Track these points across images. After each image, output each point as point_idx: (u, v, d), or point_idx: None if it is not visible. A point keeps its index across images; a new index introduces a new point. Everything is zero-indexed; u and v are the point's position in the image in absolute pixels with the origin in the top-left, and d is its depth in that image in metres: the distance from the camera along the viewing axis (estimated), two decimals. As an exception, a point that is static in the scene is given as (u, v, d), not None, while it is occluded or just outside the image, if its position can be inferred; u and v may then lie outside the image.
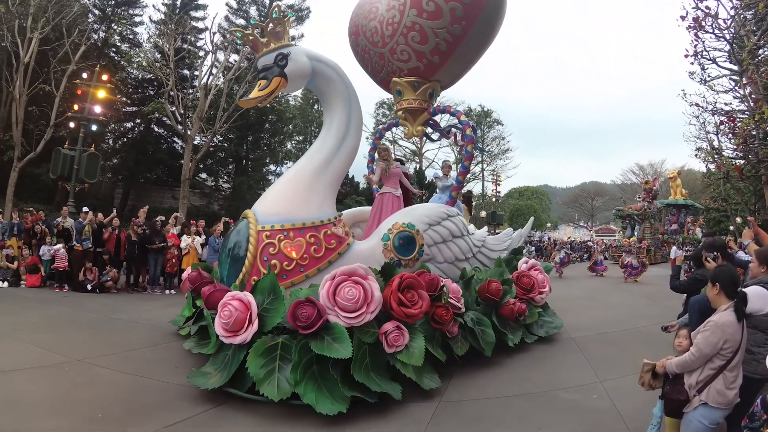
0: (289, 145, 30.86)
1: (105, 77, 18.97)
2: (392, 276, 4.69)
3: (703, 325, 2.93)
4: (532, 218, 9.27)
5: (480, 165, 45.53)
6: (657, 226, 25.67)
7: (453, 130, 7.57)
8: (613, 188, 58.37)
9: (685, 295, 5.09)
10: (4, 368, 4.65)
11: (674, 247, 19.87)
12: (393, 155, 7.06)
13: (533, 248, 22.55)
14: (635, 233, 24.63)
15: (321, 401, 3.84)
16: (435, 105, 7.36)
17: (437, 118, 7.71)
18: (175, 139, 27.54)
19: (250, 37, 5.58)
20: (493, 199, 39.39)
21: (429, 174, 40.31)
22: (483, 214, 32.83)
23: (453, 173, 8.05)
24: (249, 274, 4.93)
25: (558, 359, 5.72)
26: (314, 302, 4.05)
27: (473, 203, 9.81)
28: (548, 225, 49.49)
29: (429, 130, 7.57)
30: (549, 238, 29.60)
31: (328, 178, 5.53)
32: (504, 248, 7.07)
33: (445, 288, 4.87)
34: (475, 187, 48.11)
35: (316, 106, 32.98)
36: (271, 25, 5.41)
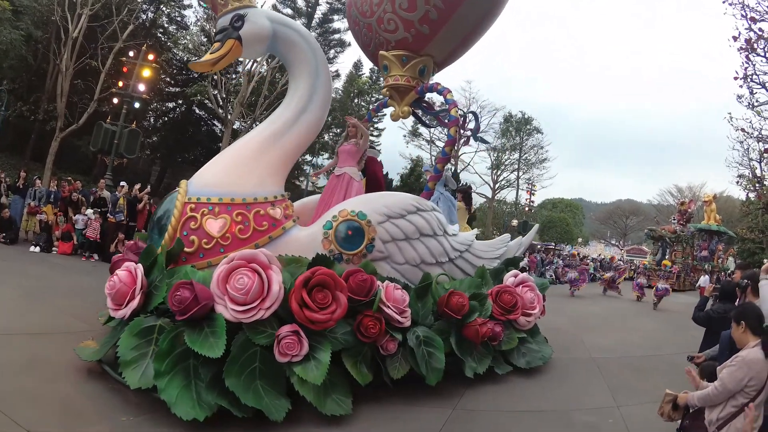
0: (326, 137, 30.85)
1: (151, 57, 19.61)
2: None
3: (730, 360, 2.95)
4: (536, 226, 8.25)
5: (516, 173, 45.65)
6: (689, 251, 24.39)
7: (460, 112, 6.66)
8: (649, 208, 57.25)
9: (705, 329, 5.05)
10: (32, 331, 4.87)
11: (704, 276, 18.92)
12: (363, 133, 6.13)
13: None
14: (666, 256, 23.55)
15: (181, 401, 3.26)
16: (425, 84, 6.54)
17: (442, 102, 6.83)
18: (215, 122, 28.23)
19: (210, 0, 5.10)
20: (526, 209, 38.80)
21: (463, 177, 39.79)
22: (515, 222, 32.17)
23: (450, 169, 7.22)
24: (167, 248, 4.41)
25: (577, 379, 5.66)
26: (193, 286, 3.46)
27: (472, 200, 8.70)
28: (579, 240, 48.24)
29: (420, 112, 6.72)
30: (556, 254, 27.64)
31: (277, 153, 4.90)
32: (495, 256, 6.11)
33: (380, 293, 4.02)
34: (509, 195, 48.15)
35: (356, 100, 32.78)
36: None
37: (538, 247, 29.74)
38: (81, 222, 10.48)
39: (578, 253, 28.04)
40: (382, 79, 6.87)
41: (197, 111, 28.29)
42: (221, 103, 23.21)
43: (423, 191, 6.11)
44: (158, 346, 3.47)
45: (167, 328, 3.58)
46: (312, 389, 3.47)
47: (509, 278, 5.81)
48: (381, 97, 7.44)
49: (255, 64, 23.83)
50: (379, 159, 6.94)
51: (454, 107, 6.10)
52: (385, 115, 41.83)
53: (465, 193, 8.47)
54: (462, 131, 6.74)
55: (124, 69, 19.44)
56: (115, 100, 20.35)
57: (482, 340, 4.94)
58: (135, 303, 3.77)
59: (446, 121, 6.65)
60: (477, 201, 45.71)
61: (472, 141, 6.95)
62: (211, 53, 4.93)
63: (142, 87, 19.05)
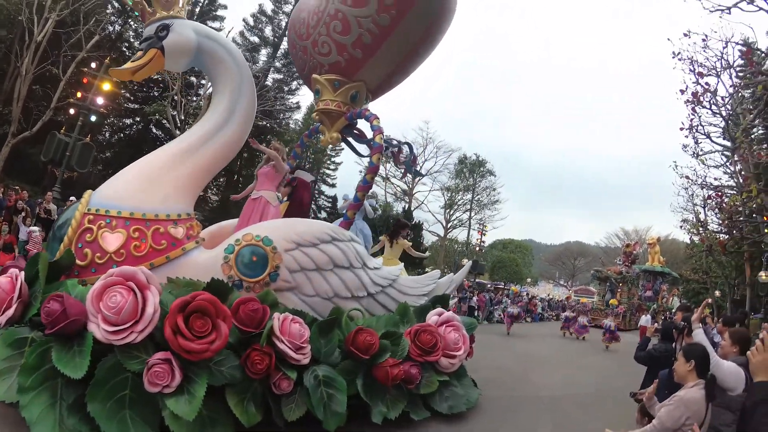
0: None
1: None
2: (221, 297, 3.81)
3: (668, 399, 3.07)
4: (469, 262, 8.39)
5: (468, 213, 48.13)
6: (634, 291, 26.01)
7: (394, 143, 6.71)
8: (597, 250, 60.09)
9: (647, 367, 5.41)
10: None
11: (644, 316, 19.97)
12: (283, 157, 6.10)
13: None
14: (614, 296, 24.61)
15: (42, 422, 3.08)
16: (354, 110, 6.51)
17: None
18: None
19: (140, 6, 5.07)
20: (477, 248, 40.27)
21: (417, 215, 40.64)
22: (465, 261, 32.82)
23: (375, 196, 7.22)
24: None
25: (523, 417, 5.73)
26: (64, 299, 3.28)
27: (405, 235, 8.67)
28: (528, 280, 50.31)
29: (351, 140, 6.73)
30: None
31: (187, 169, 4.77)
32: (423, 293, 5.95)
33: (271, 325, 3.88)
34: (460, 234, 50.29)
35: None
36: None
37: (488, 286, 30.12)
38: (24, 233, 10.07)
39: (527, 293, 28.75)
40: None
41: (154, 130, 28.14)
42: (179, 125, 23.05)
43: (341, 220, 6.02)
44: (26, 359, 3.28)
45: (38, 341, 3.39)
46: (185, 425, 3.25)
47: (432, 317, 5.63)
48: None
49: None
50: (310, 181, 6.92)
51: (378, 134, 6.04)
52: (343, 149, 42.48)
53: (401, 226, 8.52)
54: (396, 163, 6.78)
55: (85, 80, 19.19)
56: (72, 111, 19.98)
57: (394, 382, 4.68)
58: (11, 312, 3.57)
59: (403, 154, 6.64)
60: (429, 239, 47.01)
61: (409, 176, 7.04)
62: (132, 61, 4.88)
63: (100, 100, 18.82)
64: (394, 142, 6.66)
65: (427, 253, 9.86)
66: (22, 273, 3.79)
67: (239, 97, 5.07)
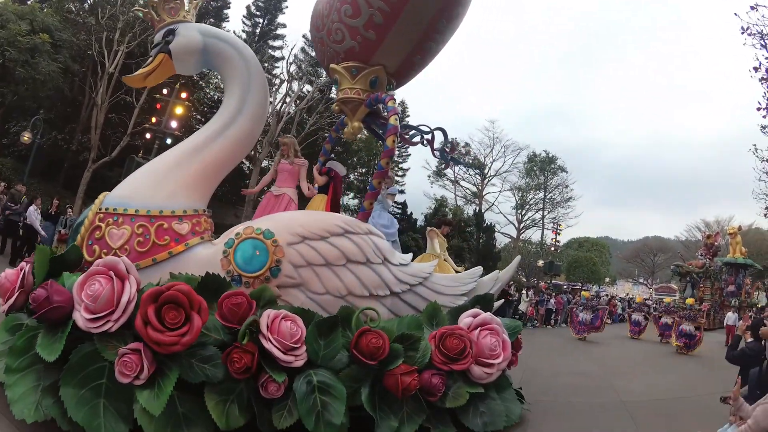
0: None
1: (183, 95, 21.04)
2: (217, 292, 3.84)
3: (764, 398, 3.06)
4: (518, 257, 7.61)
5: (541, 212, 47.17)
6: (717, 287, 23.96)
7: (425, 129, 6.45)
8: (677, 244, 56.05)
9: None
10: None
11: (730, 313, 18.54)
12: (295, 149, 6.01)
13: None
14: (694, 293, 23.07)
15: (22, 401, 3.20)
16: (372, 95, 6.26)
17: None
18: (244, 160, 29.28)
19: (149, 16, 5.34)
20: (552, 249, 39.51)
21: (488, 217, 39.72)
22: (540, 263, 31.43)
23: (394, 188, 6.96)
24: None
25: (605, 425, 5.70)
26: (49, 286, 3.40)
27: (446, 230, 8.22)
28: (606, 279, 48.87)
29: (377, 128, 6.50)
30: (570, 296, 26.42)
31: (197, 165, 4.84)
32: (461, 293, 5.39)
33: (255, 321, 3.69)
34: (534, 235, 49.22)
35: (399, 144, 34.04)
36: (164, 2, 5.14)
37: (565, 287, 28.59)
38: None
39: (606, 294, 27.22)
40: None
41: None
42: (248, 140, 24.29)
43: (359, 212, 5.76)
44: (15, 342, 3.46)
45: (29, 326, 3.57)
46: (153, 421, 3.17)
47: (465, 318, 5.02)
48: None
49: (284, 105, 24.97)
50: (342, 174, 6.93)
51: (393, 115, 5.78)
52: (410, 154, 42.62)
53: (444, 223, 8.25)
54: (434, 152, 6.48)
55: (158, 105, 20.89)
56: (148, 135, 21.80)
57: (407, 393, 4.17)
58: (12, 300, 3.82)
59: (446, 143, 6.43)
60: (501, 241, 46.10)
61: (453, 165, 6.68)
62: (143, 68, 5.09)
63: (174, 123, 20.32)
64: (425, 129, 6.36)
65: (460, 268, 9.12)
66: (28, 265, 4.02)
67: (248, 93, 5.09)
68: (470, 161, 46.04)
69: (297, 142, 6.43)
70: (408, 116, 41.49)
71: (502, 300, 6.64)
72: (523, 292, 21.23)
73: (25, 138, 18.85)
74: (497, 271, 5.98)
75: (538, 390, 6.60)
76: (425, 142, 6.66)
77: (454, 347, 4.67)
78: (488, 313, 5.33)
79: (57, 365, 3.26)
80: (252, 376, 3.66)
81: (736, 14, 15.48)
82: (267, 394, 3.67)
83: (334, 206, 6.26)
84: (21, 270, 3.97)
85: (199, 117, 28.38)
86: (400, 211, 39.09)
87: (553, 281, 32.34)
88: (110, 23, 21.78)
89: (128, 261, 3.59)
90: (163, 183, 4.64)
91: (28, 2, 21.72)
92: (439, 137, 6.63)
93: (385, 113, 6.02)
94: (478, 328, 5.03)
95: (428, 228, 8.45)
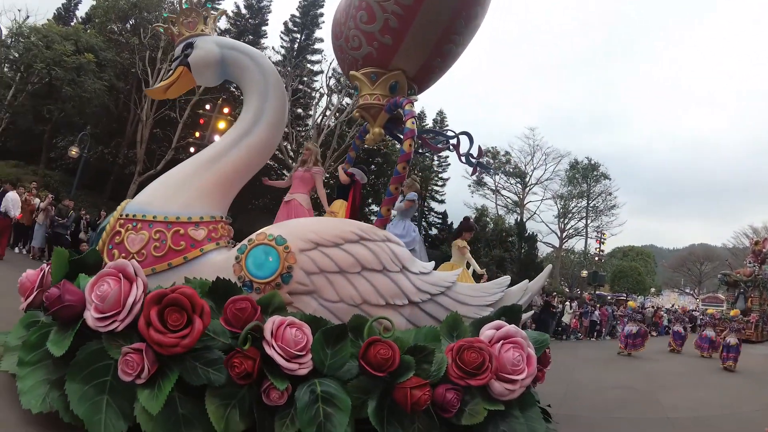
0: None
1: (226, 110, 21.86)
2: (226, 297, 3.83)
3: None
4: (549, 266, 7.32)
5: (584, 221, 46.24)
6: (767, 296, 22.85)
7: (450, 134, 6.43)
8: (725, 252, 54.58)
9: None
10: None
11: None
12: (316, 158, 6.07)
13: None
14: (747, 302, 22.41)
15: (32, 392, 3.35)
16: (391, 100, 6.14)
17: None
18: (285, 171, 30.10)
19: (169, 31, 5.58)
20: (596, 258, 38.55)
21: (530, 226, 38.92)
22: (584, 273, 30.41)
23: (412, 194, 6.89)
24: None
25: None
26: (63, 285, 3.54)
27: (468, 236, 8.09)
28: (652, 290, 47.64)
29: (399, 134, 6.45)
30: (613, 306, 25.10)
31: (216, 173, 4.98)
32: (487, 303, 5.16)
33: (258, 327, 3.66)
34: (577, 244, 48.27)
35: (420, 150, 33.89)
36: (183, 17, 5.36)
37: (608, 298, 27.54)
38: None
39: (651, 305, 25.99)
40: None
41: (268, 161, 30.56)
42: (291, 154, 24.79)
43: (376, 219, 5.69)
44: (28, 337, 3.64)
45: (44, 323, 3.74)
46: (151, 420, 3.21)
47: (487, 330, 4.69)
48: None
49: (324, 118, 25.52)
50: (363, 182, 6.98)
51: (411, 118, 5.63)
52: (449, 164, 42.36)
53: (466, 228, 8.16)
54: (461, 157, 6.40)
55: (201, 120, 21.79)
56: (192, 150, 22.66)
57: (417, 408, 3.93)
58: (31, 298, 4.06)
59: (470, 146, 6.33)
60: (543, 250, 45.19)
61: (480, 171, 6.61)
62: (163, 81, 5.35)
63: (217, 137, 21.10)
64: (451, 134, 6.30)
65: (483, 271, 8.87)
66: (48, 267, 4.22)
67: (265, 102, 5.20)
68: (510, 170, 45.59)
69: (320, 152, 6.52)
70: (447, 125, 41.35)
71: (531, 312, 6.47)
72: (567, 303, 20.76)
73: (73, 152, 20.00)
74: (526, 281, 5.73)
75: (581, 405, 6.70)
76: (451, 147, 6.59)
77: (472, 361, 4.43)
78: (512, 325, 5.06)
79: (66, 361, 3.38)
80: (256, 383, 3.64)
81: None
82: (270, 401, 3.63)
83: (353, 213, 6.26)
84: (41, 271, 4.21)
85: (240, 131, 29.44)
86: (440, 221, 38.89)
87: (597, 292, 31.46)
88: (153, 42, 22.95)
89: (137, 264, 3.69)
90: (180, 191, 4.80)
91: (72, 24, 23.13)
92: (465, 143, 6.54)
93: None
94: (501, 341, 4.74)
95: (452, 242, 8.36)
